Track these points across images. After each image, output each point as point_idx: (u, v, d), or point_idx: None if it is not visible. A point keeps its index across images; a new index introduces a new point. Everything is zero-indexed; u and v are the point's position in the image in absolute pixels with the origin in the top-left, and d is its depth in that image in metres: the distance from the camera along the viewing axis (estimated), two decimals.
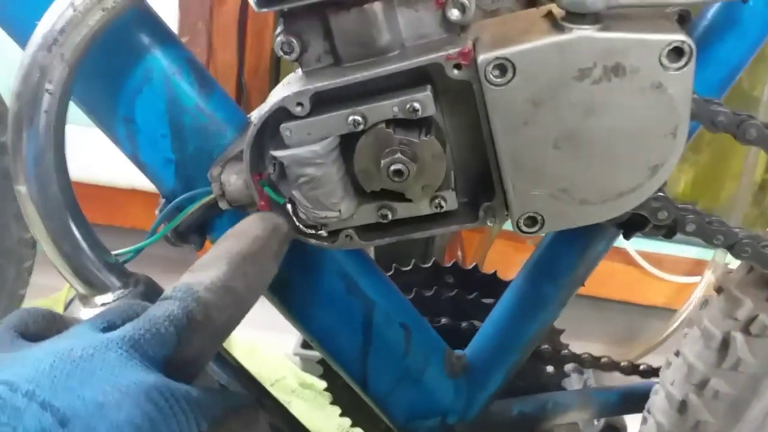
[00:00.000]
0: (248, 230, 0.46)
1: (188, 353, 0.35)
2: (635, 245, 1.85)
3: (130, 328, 0.34)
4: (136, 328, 0.34)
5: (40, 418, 0.28)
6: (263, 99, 0.60)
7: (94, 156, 1.50)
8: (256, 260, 0.43)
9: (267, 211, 0.52)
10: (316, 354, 0.85)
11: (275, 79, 1.92)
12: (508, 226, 1.69)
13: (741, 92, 1.88)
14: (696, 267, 1.89)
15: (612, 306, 1.95)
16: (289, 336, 1.60)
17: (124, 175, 1.73)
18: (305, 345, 1.58)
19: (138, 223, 1.77)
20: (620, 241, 1.81)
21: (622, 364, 0.81)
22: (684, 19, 0.53)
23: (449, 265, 0.85)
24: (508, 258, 1.83)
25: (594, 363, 0.80)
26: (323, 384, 0.88)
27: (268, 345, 1.62)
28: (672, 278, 1.88)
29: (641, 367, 0.82)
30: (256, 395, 0.64)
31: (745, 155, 1.82)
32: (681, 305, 1.81)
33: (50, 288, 0.52)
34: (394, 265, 0.85)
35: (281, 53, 0.50)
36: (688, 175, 2.01)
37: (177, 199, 0.57)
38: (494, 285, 0.82)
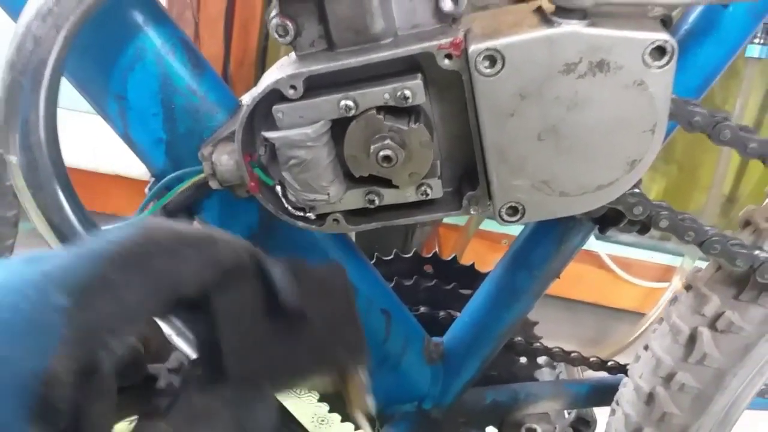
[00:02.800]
0: None
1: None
2: (607, 249, 1.89)
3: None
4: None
5: None
6: (248, 90, 0.61)
7: (77, 141, 1.49)
8: None
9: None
10: None
11: (261, 70, 1.92)
12: (484, 225, 1.71)
13: (713, 106, 1.92)
14: (665, 273, 1.93)
15: (582, 307, 1.99)
16: None
17: (107, 160, 1.72)
18: None
19: (120, 209, 1.77)
20: (592, 245, 1.84)
21: (591, 359, 0.83)
22: (665, 24, 0.55)
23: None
24: (483, 257, 1.85)
25: (564, 357, 0.82)
26: None
27: None
28: (641, 283, 1.92)
29: (609, 364, 0.84)
30: None
31: (715, 168, 1.86)
32: (649, 309, 1.85)
33: None
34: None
35: (276, 35, 0.50)
36: (659, 185, 2.06)
37: (167, 178, 0.58)
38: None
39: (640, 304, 1.94)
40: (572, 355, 0.81)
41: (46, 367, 0.27)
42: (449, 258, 0.86)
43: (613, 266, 1.89)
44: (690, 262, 1.85)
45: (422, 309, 0.81)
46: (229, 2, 1.83)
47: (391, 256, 0.85)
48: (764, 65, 1.67)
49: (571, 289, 1.93)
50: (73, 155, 1.70)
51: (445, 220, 1.90)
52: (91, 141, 1.59)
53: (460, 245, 1.79)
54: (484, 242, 1.88)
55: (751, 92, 1.70)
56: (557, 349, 0.82)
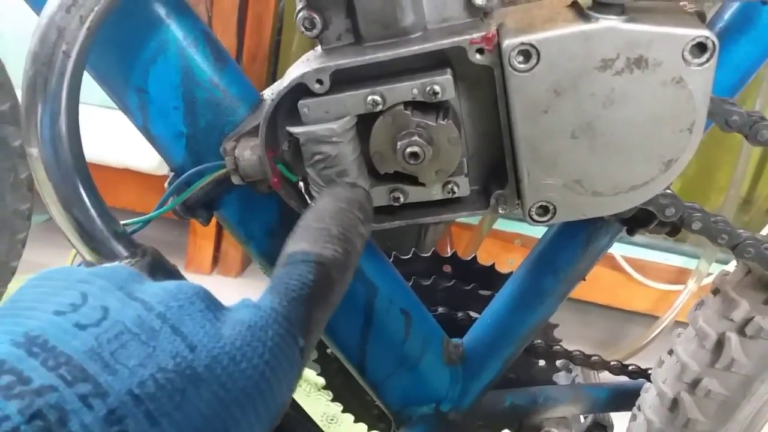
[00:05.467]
0: (338, 195, 0.46)
1: (316, 317, 0.36)
2: (621, 250, 1.87)
3: (272, 298, 0.35)
4: (276, 299, 0.35)
5: (172, 341, 0.29)
6: (260, 87, 0.60)
7: (88, 134, 1.49)
8: (354, 222, 0.43)
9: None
10: None
11: (273, 66, 1.91)
12: (497, 225, 1.70)
13: None
14: (680, 275, 1.91)
15: (594, 309, 1.97)
16: None
17: (117, 154, 1.71)
18: None
19: (129, 203, 1.76)
20: None
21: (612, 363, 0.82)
22: (700, 19, 0.54)
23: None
24: (496, 257, 1.83)
25: (585, 361, 0.81)
26: (309, 371, 0.88)
27: None
28: (655, 285, 1.90)
29: (630, 368, 0.83)
30: None
31: (733, 169, 1.84)
32: (663, 312, 1.83)
33: (41, 266, 0.52)
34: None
35: (302, 29, 0.49)
36: (675, 186, 2.03)
37: (187, 173, 0.57)
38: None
39: (654, 306, 1.92)
40: (593, 358, 0.80)
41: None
42: (469, 258, 0.85)
43: (627, 267, 1.87)
44: (706, 265, 1.83)
45: (440, 309, 0.79)
46: None
47: (410, 255, 0.84)
48: None
49: (584, 291, 1.91)
50: (84, 148, 1.69)
51: (458, 219, 1.88)
52: (100, 135, 1.58)
53: (473, 245, 1.78)
54: (497, 242, 1.87)
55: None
56: (578, 353, 0.81)
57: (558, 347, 0.81)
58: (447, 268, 0.82)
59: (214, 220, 0.63)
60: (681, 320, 1.77)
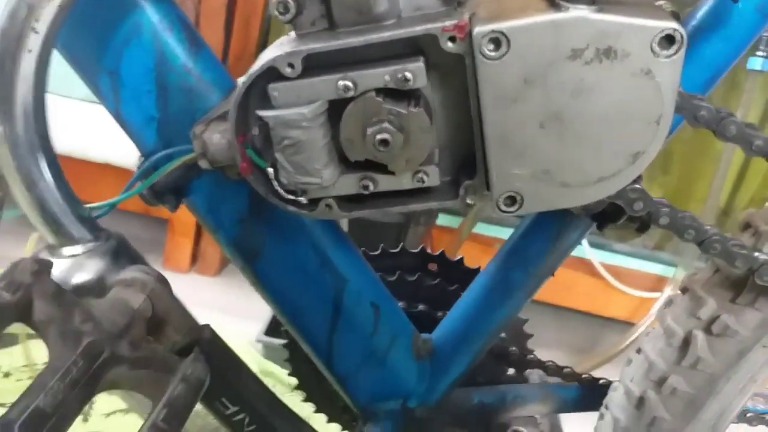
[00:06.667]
0: None
1: None
2: (599, 257, 1.88)
3: None
4: None
5: None
6: None
7: (68, 128, 1.47)
8: None
9: None
10: (278, 341, 0.85)
11: None
12: (477, 229, 1.69)
13: None
14: (658, 283, 1.93)
15: (572, 315, 1.97)
16: (252, 323, 1.58)
17: (97, 149, 1.70)
18: (268, 332, 1.57)
19: (111, 198, 1.74)
20: (585, 252, 1.82)
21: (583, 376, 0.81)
22: (676, 17, 0.54)
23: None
24: (476, 260, 1.83)
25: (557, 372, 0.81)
26: (284, 372, 0.87)
27: (229, 331, 1.60)
28: (633, 292, 1.91)
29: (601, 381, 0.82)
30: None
31: (712, 179, 1.86)
32: (640, 319, 1.84)
33: (5, 258, 0.51)
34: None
35: (276, 13, 0.49)
36: (655, 195, 2.05)
37: (155, 156, 0.57)
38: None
39: (631, 313, 1.93)
40: (565, 370, 0.80)
41: None
42: (456, 259, 0.84)
43: (605, 274, 1.88)
44: (683, 273, 1.85)
45: (421, 307, 0.79)
46: None
47: (398, 249, 0.83)
48: (766, 78, 1.67)
49: (562, 297, 1.92)
50: (63, 142, 1.67)
51: (439, 222, 1.88)
52: (81, 129, 1.56)
53: (453, 247, 1.78)
54: (477, 245, 1.87)
55: (751, 105, 1.70)
56: (550, 363, 0.81)
57: (531, 356, 0.80)
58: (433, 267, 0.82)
59: (194, 220, 0.62)
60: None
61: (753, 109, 1.86)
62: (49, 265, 0.46)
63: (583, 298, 1.93)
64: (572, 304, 1.95)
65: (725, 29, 0.53)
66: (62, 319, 0.44)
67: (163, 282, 0.55)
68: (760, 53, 1.57)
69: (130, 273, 0.53)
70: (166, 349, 0.54)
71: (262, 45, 1.92)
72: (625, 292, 1.90)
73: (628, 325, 1.88)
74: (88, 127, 1.54)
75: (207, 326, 0.58)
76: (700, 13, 0.54)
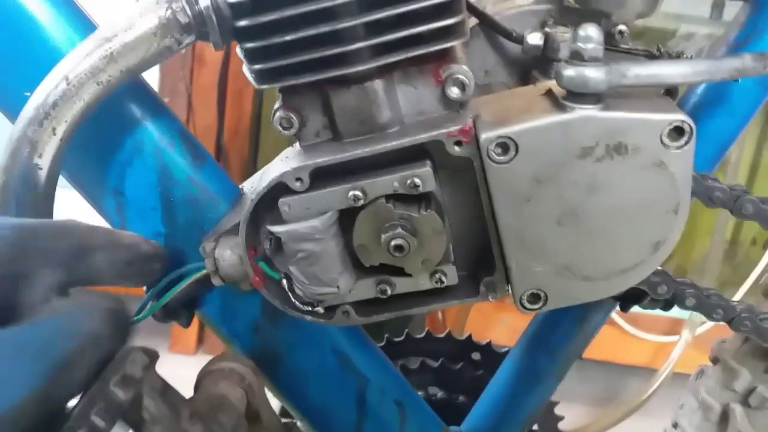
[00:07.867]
0: None
1: None
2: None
3: None
4: None
5: None
6: (242, 161, 0.59)
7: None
8: None
9: None
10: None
11: (255, 141, 1.92)
12: None
13: None
14: (674, 326, 1.90)
15: (592, 365, 1.93)
16: None
17: None
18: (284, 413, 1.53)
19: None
20: None
21: None
22: (671, 94, 0.54)
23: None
24: (489, 317, 1.82)
25: None
26: None
27: None
28: (650, 337, 1.88)
29: None
30: None
31: (716, 213, 1.86)
32: (660, 365, 1.81)
33: None
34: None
35: (280, 128, 0.49)
36: None
37: (166, 278, 0.55)
38: None
39: (651, 359, 1.89)
40: None
41: None
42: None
43: (621, 322, 1.86)
44: (698, 315, 1.82)
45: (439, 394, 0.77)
46: (222, 72, 1.84)
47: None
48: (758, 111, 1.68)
49: None
50: None
51: None
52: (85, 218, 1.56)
53: (465, 306, 1.76)
54: (484, 309, 1.84)
55: (746, 138, 1.71)
56: None
57: None
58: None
59: None
60: (679, 371, 1.74)
61: (748, 142, 1.88)
62: (157, 355, 0.42)
63: (601, 347, 1.89)
64: (590, 355, 1.91)
65: (728, 104, 0.53)
66: (171, 419, 0.40)
67: (257, 374, 0.52)
68: None
69: (227, 363, 0.51)
70: None
71: (256, 117, 1.93)
72: (643, 337, 1.88)
73: (650, 371, 1.84)
74: (91, 216, 1.54)
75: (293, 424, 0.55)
76: (701, 90, 0.54)
